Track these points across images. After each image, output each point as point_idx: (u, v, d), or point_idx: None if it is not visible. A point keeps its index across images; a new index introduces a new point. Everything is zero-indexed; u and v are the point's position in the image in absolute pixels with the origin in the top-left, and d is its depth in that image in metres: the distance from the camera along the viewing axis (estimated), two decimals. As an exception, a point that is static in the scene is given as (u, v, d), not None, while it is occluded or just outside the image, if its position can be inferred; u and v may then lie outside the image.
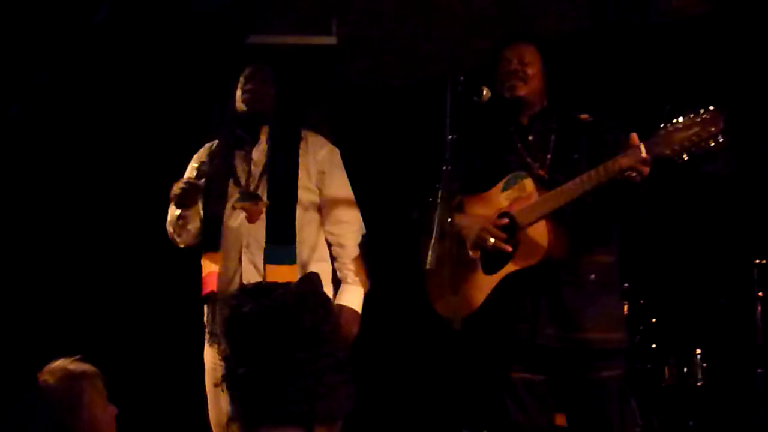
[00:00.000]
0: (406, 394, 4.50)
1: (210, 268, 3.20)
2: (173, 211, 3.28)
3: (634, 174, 2.72)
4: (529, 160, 3.00)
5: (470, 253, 2.99)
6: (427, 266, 2.68)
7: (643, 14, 4.77)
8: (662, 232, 4.39)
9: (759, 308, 4.00)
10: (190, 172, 3.33)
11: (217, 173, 3.26)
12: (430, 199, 2.89)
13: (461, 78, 2.82)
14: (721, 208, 4.50)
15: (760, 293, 4.02)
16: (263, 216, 3.19)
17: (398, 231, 3.31)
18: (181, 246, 3.36)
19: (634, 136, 2.74)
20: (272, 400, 1.57)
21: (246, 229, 3.19)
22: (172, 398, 4.22)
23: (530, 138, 3.03)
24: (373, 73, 5.43)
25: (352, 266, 3.28)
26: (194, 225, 3.30)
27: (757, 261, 4.05)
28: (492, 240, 2.92)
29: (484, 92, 2.91)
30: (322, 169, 3.30)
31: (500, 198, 2.98)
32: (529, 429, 2.99)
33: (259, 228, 3.19)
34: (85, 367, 2.10)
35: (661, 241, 4.43)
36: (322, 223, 3.31)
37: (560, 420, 3.44)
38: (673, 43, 4.58)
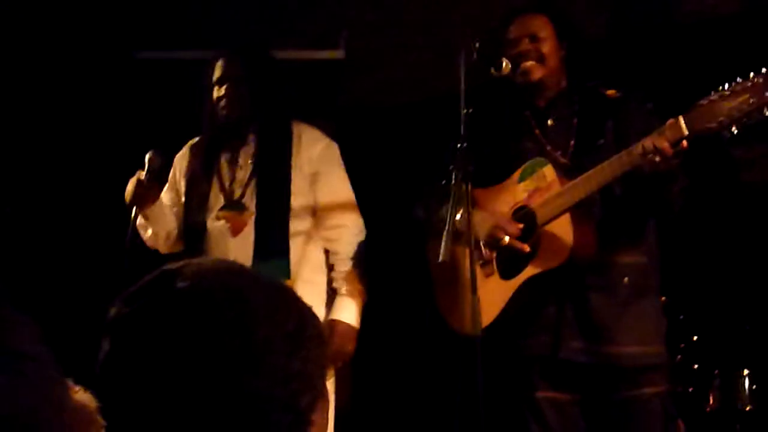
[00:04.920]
0: (417, 416, 4.12)
1: None
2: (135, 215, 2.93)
3: (657, 159, 2.32)
4: (549, 148, 2.64)
5: (484, 253, 2.63)
6: (441, 259, 2.30)
7: (667, 15, 4.44)
8: (704, 244, 4.01)
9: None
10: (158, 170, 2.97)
11: (199, 177, 2.95)
12: (443, 182, 2.52)
13: (477, 44, 2.47)
14: (765, 217, 4.11)
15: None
16: (251, 228, 2.85)
17: (404, 242, 2.96)
18: (164, 252, 3.03)
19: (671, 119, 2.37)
20: None
21: (232, 244, 2.86)
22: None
23: (549, 122, 2.67)
24: (382, 88, 5.17)
25: (347, 276, 2.92)
26: (163, 228, 2.96)
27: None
28: (507, 238, 2.55)
29: (504, 64, 2.55)
30: (316, 169, 2.95)
31: (517, 190, 2.62)
32: None
33: (247, 242, 2.85)
34: None
35: (704, 253, 4.04)
36: (315, 228, 2.96)
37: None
38: (700, 44, 4.22)
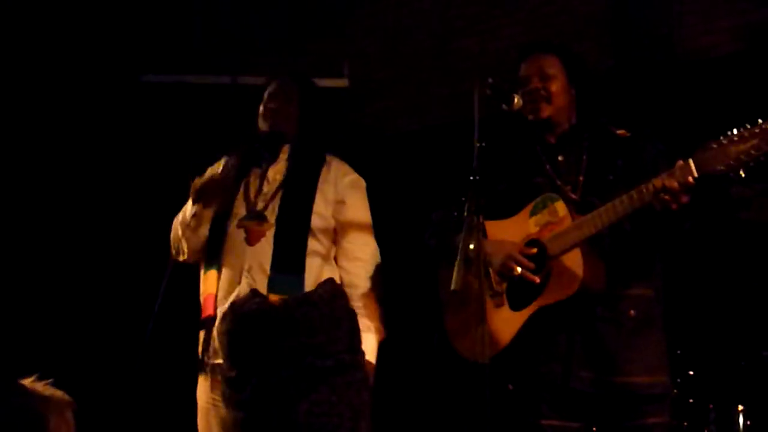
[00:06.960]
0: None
1: (209, 290, 2.91)
2: (187, 211, 3.00)
3: (667, 197, 2.41)
4: (559, 183, 2.71)
5: (494, 284, 2.68)
6: (453, 288, 2.35)
7: (670, 53, 4.54)
8: (700, 281, 4.07)
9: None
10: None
11: (228, 185, 3.01)
12: (455, 214, 2.58)
13: (490, 81, 2.54)
14: (762, 255, 4.18)
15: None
16: (270, 240, 2.91)
17: (409, 268, 3.01)
18: (182, 258, 3.06)
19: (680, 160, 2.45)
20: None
21: (251, 251, 2.89)
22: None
23: (559, 158, 2.74)
24: (384, 116, 5.25)
25: (364, 311, 2.94)
26: (205, 231, 3.00)
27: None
28: (519, 269, 2.61)
29: (515, 100, 2.62)
30: (342, 198, 3.02)
31: (528, 224, 2.68)
32: None
33: (265, 252, 2.89)
34: (55, 392, 1.83)
35: (700, 289, 4.11)
36: (334, 256, 3.02)
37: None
38: (701, 83, 4.32)
